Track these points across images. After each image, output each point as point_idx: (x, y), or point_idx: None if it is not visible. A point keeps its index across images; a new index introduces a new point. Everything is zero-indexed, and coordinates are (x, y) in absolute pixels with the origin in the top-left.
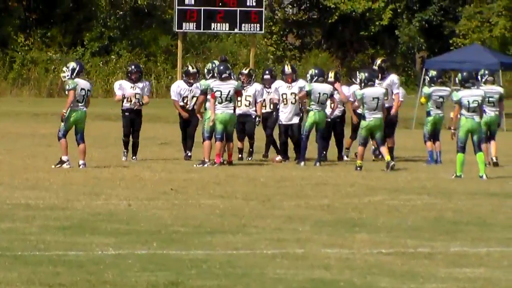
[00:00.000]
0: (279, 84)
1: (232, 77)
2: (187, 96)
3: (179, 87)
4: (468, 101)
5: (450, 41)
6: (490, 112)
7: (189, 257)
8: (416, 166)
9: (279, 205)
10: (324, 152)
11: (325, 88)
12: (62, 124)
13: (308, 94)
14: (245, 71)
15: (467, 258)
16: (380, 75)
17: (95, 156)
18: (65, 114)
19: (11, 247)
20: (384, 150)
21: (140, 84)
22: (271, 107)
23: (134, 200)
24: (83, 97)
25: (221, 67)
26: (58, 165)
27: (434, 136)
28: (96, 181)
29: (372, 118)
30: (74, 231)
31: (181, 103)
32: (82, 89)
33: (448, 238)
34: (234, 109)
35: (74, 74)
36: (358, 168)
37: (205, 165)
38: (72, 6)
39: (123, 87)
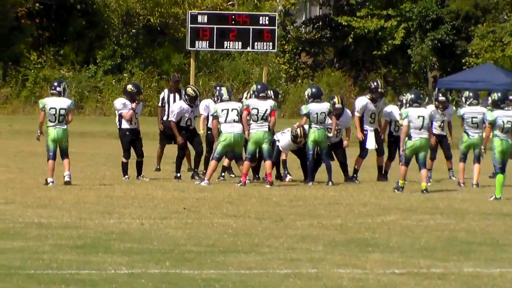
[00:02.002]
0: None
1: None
2: (190, 118)
3: (182, 109)
4: (503, 122)
5: (463, 61)
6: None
7: (202, 277)
8: (429, 186)
9: (292, 225)
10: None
11: (323, 107)
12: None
13: (307, 116)
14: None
15: (480, 278)
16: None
17: (107, 174)
18: (38, 133)
19: (24, 266)
20: (424, 173)
21: (139, 106)
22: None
23: (147, 219)
24: (54, 116)
25: (259, 86)
26: (45, 184)
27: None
28: (109, 200)
29: (418, 138)
30: (87, 250)
31: (183, 125)
32: (52, 108)
33: (462, 259)
34: (268, 128)
35: (64, 93)
36: (400, 189)
37: (203, 183)
38: (84, 24)
39: (127, 106)
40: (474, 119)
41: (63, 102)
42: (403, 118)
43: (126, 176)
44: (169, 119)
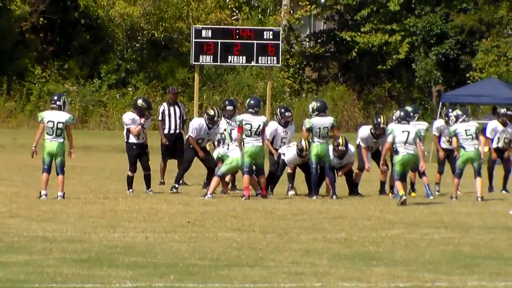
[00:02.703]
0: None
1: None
2: (203, 139)
3: (201, 127)
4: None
5: (467, 75)
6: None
7: None
8: (433, 200)
9: (296, 239)
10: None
11: (325, 121)
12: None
13: (309, 130)
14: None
15: None
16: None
17: (112, 188)
18: (33, 147)
19: (28, 280)
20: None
21: (148, 121)
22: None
23: (151, 232)
24: (51, 129)
25: (252, 102)
26: (39, 197)
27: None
28: (113, 214)
29: (405, 152)
30: (92, 264)
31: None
32: (49, 121)
33: (466, 272)
34: (263, 143)
35: (63, 107)
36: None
37: (206, 197)
38: (89, 38)
39: (135, 121)
40: (468, 131)
41: (62, 116)
42: (387, 133)
43: (130, 190)
44: (188, 134)
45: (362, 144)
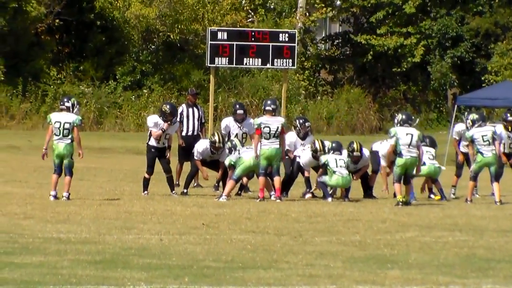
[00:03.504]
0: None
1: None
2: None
3: (205, 150)
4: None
5: (482, 78)
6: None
7: None
8: (448, 203)
9: (310, 241)
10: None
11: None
12: None
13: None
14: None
15: None
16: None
17: (126, 190)
18: (43, 149)
19: (43, 281)
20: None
21: (174, 127)
22: None
23: (166, 234)
24: (58, 129)
25: (269, 101)
26: (50, 196)
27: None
28: (128, 215)
29: (409, 156)
30: (106, 266)
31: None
32: (56, 121)
33: (480, 275)
34: (279, 145)
35: (72, 109)
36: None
37: (221, 199)
38: (104, 40)
39: (156, 126)
40: (484, 137)
41: (69, 117)
42: (391, 136)
43: (145, 192)
44: (194, 157)
45: (383, 163)
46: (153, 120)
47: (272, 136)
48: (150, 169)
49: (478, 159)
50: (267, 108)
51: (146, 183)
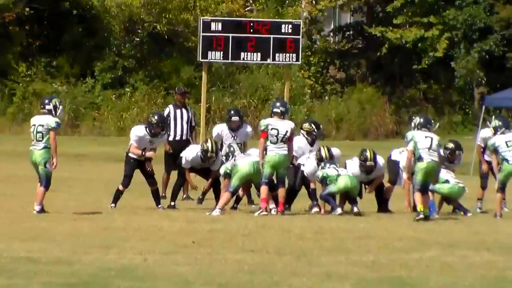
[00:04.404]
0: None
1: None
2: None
3: (198, 158)
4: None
5: None
6: None
7: None
8: (474, 218)
9: (316, 261)
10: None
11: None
12: None
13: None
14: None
15: None
16: None
17: (105, 202)
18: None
19: None
20: (425, 198)
21: (159, 139)
22: None
23: (151, 254)
24: (32, 134)
25: (278, 103)
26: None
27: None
28: (107, 232)
29: (430, 159)
30: None
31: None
32: (32, 125)
33: None
34: (289, 152)
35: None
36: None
37: (215, 213)
38: (81, 32)
39: (140, 140)
40: (509, 143)
41: (44, 119)
42: (408, 141)
43: (112, 205)
44: (182, 165)
45: (405, 176)
46: (137, 133)
47: (280, 141)
48: (127, 180)
49: (504, 167)
50: (275, 110)
51: (117, 195)
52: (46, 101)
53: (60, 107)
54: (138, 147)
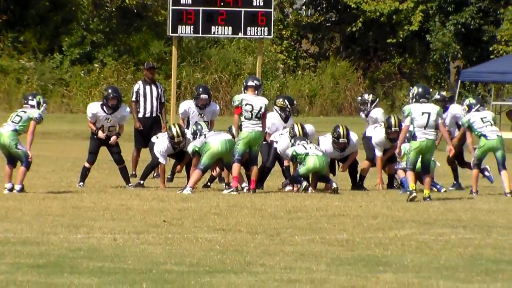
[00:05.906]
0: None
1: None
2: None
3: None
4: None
5: (490, 49)
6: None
7: None
8: (450, 195)
9: (290, 240)
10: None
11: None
12: None
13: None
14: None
15: None
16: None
17: (74, 181)
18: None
19: None
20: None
21: (117, 114)
22: None
23: (121, 233)
24: (11, 116)
25: (252, 80)
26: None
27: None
28: (76, 211)
29: (424, 138)
30: (50, 270)
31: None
32: (15, 111)
33: (487, 279)
34: (263, 128)
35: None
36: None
37: (185, 191)
38: (48, 6)
39: (96, 117)
40: (484, 119)
41: (28, 109)
42: (405, 116)
43: (81, 183)
44: (160, 161)
45: (378, 153)
46: (91, 110)
47: (254, 117)
48: (92, 157)
49: (481, 143)
50: (249, 83)
51: (84, 173)
52: (30, 97)
53: (44, 104)
54: (94, 124)
